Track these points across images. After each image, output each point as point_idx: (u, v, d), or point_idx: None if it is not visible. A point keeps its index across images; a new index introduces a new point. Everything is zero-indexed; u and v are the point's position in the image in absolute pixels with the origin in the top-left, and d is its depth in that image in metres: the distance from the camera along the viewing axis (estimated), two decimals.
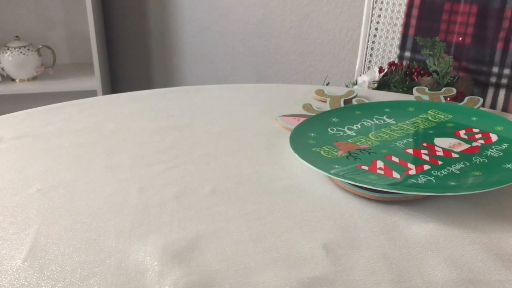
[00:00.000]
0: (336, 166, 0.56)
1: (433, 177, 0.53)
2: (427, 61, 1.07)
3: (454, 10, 1.11)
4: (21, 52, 1.74)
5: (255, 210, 0.51)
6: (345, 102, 0.78)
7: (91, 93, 1.79)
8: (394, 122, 0.68)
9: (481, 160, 0.56)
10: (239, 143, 0.66)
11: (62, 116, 0.75)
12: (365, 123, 0.68)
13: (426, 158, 0.57)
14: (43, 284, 0.41)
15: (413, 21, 1.17)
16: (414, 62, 1.15)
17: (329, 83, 1.50)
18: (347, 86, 1.14)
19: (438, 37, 1.09)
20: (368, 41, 1.26)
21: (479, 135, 0.62)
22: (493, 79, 1.08)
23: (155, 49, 1.93)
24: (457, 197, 0.52)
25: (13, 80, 1.79)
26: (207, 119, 0.74)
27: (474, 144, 0.60)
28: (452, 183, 0.52)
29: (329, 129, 0.66)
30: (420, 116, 0.69)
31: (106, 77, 1.89)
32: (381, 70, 1.12)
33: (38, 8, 1.86)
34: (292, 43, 1.67)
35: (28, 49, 1.75)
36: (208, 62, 1.85)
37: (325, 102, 0.79)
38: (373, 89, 1.09)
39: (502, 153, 0.58)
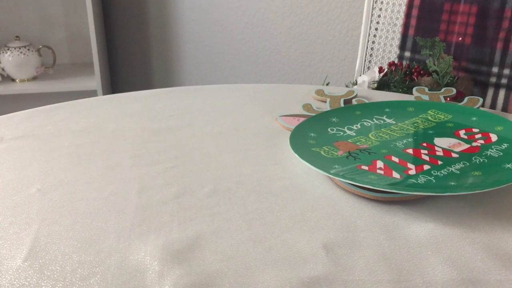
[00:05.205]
0: (336, 166, 0.56)
1: (433, 177, 0.53)
2: (427, 61, 1.07)
3: (454, 10, 1.11)
4: (21, 52, 1.74)
5: (255, 210, 0.51)
6: (345, 102, 0.78)
7: (91, 93, 1.79)
8: (394, 122, 0.68)
9: (481, 160, 0.56)
10: (239, 143, 0.66)
11: (62, 116, 0.75)
12: (365, 123, 0.68)
13: (426, 158, 0.57)
14: (43, 284, 0.41)
15: (413, 21, 1.17)
16: (414, 62, 1.15)
17: (329, 83, 1.50)
18: (347, 86, 1.14)
19: (438, 37, 1.09)
20: (368, 41, 1.26)
21: (479, 135, 0.62)
22: (493, 79, 1.08)
23: (155, 49, 1.93)
24: (457, 197, 0.52)
25: (13, 80, 1.79)
26: (207, 119, 0.74)
27: (474, 144, 0.60)
28: (452, 183, 0.52)
29: (329, 129, 0.66)
30: (420, 116, 0.69)
31: (106, 77, 1.89)
32: (381, 70, 1.12)
33: (38, 8, 1.86)
34: (292, 43, 1.67)
35: (28, 49, 1.75)
36: (208, 62, 1.85)
37: (325, 102, 0.79)
38: (373, 89, 1.09)
39: (502, 153, 0.58)
